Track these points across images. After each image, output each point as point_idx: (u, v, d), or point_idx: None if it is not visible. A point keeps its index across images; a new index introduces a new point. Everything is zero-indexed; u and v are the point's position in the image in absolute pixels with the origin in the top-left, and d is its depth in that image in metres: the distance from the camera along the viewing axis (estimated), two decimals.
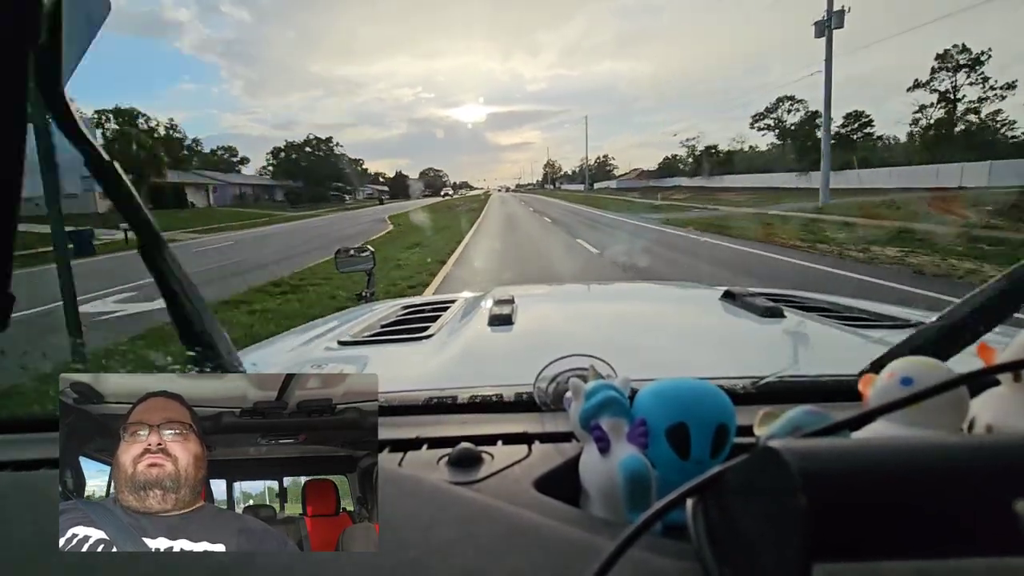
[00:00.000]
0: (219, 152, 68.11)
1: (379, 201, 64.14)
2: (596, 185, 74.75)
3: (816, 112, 43.74)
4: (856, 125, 42.71)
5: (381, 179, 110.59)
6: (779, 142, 48.26)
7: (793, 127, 45.97)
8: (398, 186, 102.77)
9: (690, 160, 58.44)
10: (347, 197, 67.72)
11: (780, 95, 47.11)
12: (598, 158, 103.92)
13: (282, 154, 63.80)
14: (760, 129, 49.66)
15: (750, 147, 54.49)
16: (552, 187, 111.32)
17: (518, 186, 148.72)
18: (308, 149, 64.27)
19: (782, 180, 37.77)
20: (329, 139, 67.59)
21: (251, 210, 40.14)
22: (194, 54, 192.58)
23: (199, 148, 58.98)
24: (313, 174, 62.26)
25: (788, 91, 46.77)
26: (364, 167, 78.94)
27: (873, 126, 42.82)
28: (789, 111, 47.33)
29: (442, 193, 79.17)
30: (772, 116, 48.66)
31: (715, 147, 55.63)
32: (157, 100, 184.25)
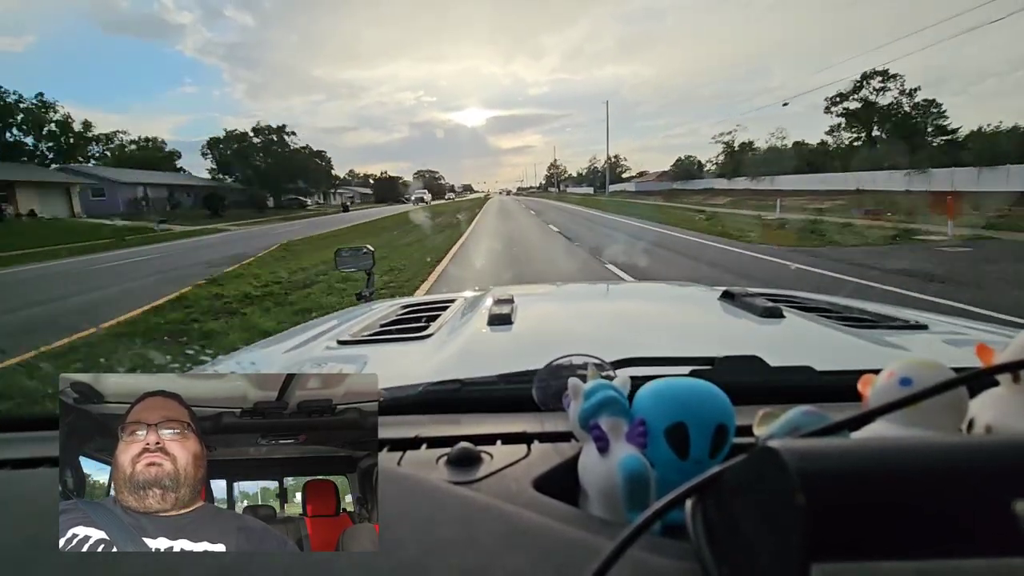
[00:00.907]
0: (144, 144, 49.94)
1: (344, 208, 48.29)
2: (609, 188, 65.01)
3: (914, 90, 33.76)
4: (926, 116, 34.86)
5: (372, 180, 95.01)
6: (853, 133, 37.21)
7: (890, 111, 34.15)
8: (385, 189, 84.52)
9: (721, 158, 48.54)
10: (308, 201, 52.75)
11: (866, 69, 35.35)
12: (608, 158, 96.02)
13: (221, 146, 47.20)
14: (840, 115, 37.90)
15: (796, 143, 43.67)
16: (557, 190, 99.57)
17: (519, 189, 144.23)
18: (257, 141, 48.56)
19: (859, 180, 27.64)
20: (282, 127, 50.15)
21: (129, 223, 26.20)
22: (196, 57, 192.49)
23: (91, 134, 41.67)
24: (261, 172, 46.94)
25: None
26: (327, 159, 58.58)
27: (946, 118, 33.65)
28: (879, 91, 35.25)
29: (412, 199, 53.11)
30: (856, 97, 36.35)
31: (750, 143, 46.73)
32: (158, 103, 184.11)
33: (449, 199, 76.84)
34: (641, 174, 74.78)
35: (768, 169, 38.96)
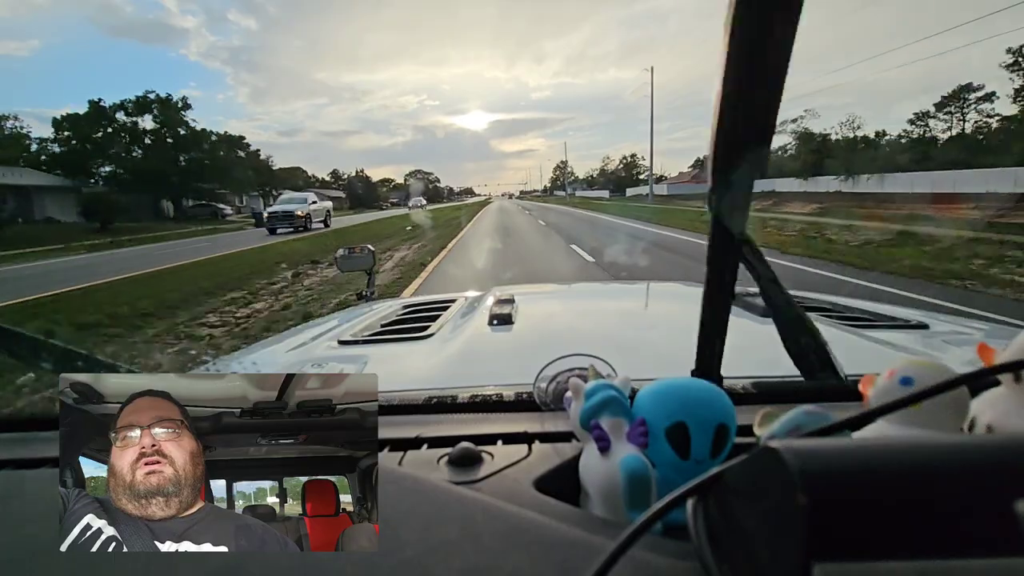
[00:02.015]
0: None
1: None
2: (628, 191, 55.71)
3: None
4: None
5: (359, 182, 71.79)
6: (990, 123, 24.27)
7: None
8: (361, 192, 63.58)
9: (791, 152, 35.30)
10: (228, 209, 35.22)
11: None
12: (624, 158, 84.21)
13: (83, 128, 29.80)
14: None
15: (903, 134, 31.94)
16: (565, 193, 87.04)
17: (522, 192, 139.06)
18: (137, 122, 31.48)
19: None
20: (172, 99, 31.81)
21: None
22: (200, 61, 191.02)
23: None
24: (133, 168, 30.03)
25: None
26: (250, 152, 39.12)
27: None
28: None
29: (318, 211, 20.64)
30: None
31: (821, 135, 34.04)
32: None
33: (423, 209, 39.55)
34: (661, 177, 65.72)
35: (853, 169, 27.51)
